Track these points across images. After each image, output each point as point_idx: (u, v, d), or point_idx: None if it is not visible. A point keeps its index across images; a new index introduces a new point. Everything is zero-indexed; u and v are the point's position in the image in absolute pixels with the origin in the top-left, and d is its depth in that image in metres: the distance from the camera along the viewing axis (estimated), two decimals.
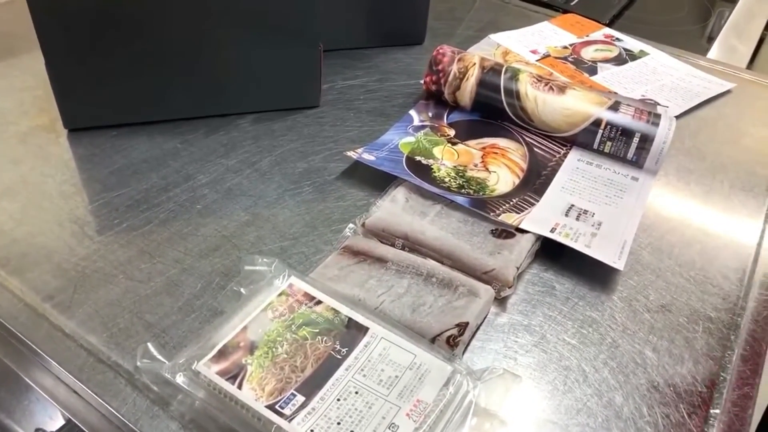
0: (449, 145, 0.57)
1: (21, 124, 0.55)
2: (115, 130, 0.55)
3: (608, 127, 0.55)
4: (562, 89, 0.58)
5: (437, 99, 0.63)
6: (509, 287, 0.42)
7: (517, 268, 0.43)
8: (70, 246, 0.44)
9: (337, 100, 0.63)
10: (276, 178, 0.51)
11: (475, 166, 0.54)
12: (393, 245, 0.45)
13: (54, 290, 0.40)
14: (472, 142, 0.57)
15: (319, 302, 0.37)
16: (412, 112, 0.61)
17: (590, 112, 0.56)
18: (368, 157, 0.53)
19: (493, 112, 0.60)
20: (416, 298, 0.39)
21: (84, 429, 0.36)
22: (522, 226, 0.46)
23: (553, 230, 0.47)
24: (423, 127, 0.59)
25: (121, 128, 0.55)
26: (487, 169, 0.54)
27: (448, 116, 0.61)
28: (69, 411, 0.36)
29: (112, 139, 0.54)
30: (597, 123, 0.55)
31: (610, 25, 0.87)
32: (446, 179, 0.52)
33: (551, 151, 0.57)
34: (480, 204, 0.49)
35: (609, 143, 0.56)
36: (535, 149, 0.57)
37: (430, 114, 0.61)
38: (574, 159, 0.56)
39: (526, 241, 0.45)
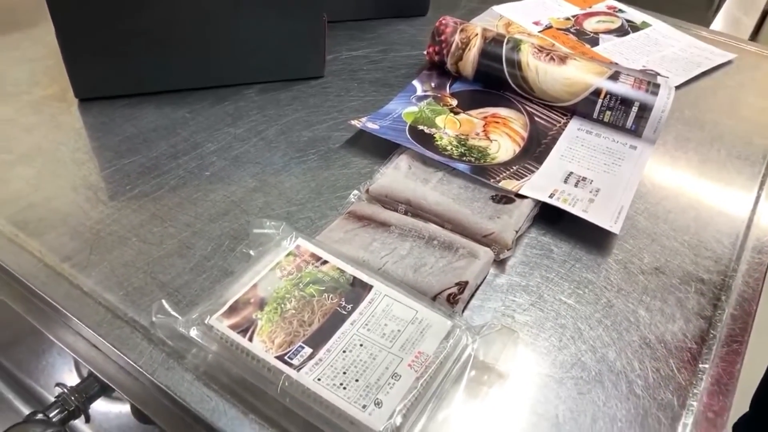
0: (451, 114, 0.58)
1: (33, 94, 0.56)
2: (124, 100, 0.57)
3: (608, 96, 0.56)
4: (562, 59, 0.58)
5: (440, 69, 0.64)
6: (508, 249, 0.43)
7: (516, 232, 0.44)
8: (85, 210, 0.45)
9: (342, 71, 0.63)
10: (282, 146, 0.53)
11: (477, 135, 0.55)
12: (396, 210, 0.46)
13: (71, 251, 0.42)
14: (474, 112, 0.58)
15: (325, 262, 0.39)
16: (415, 83, 0.62)
17: (590, 82, 0.57)
18: (372, 126, 0.54)
19: (494, 82, 0.61)
20: (418, 260, 0.41)
21: (103, 379, 0.38)
22: (521, 191, 0.48)
23: (551, 196, 0.48)
24: (426, 97, 0.60)
25: (131, 98, 0.57)
26: (488, 138, 0.55)
27: (450, 86, 0.62)
28: (89, 363, 0.38)
29: (122, 108, 0.56)
30: (597, 92, 0.56)
31: None
32: (448, 147, 0.53)
33: (552, 121, 0.58)
34: (481, 171, 0.50)
35: (608, 112, 0.57)
36: (536, 118, 0.58)
37: (432, 84, 0.62)
38: (574, 128, 0.57)
39: (525, 206, 0.46)
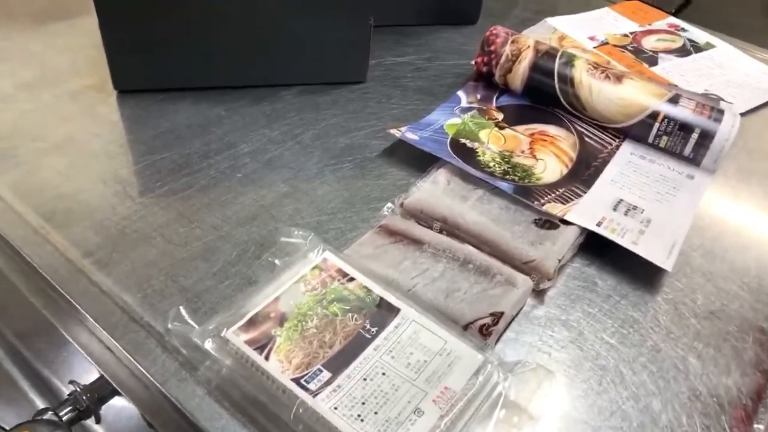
0: (496, 129, 0.55)
1: (72, 83, 0.56)
2: (162, 94, 0.56)
3: (665, 120, 0.52)
4: (618, 78, 0.55)
5: (487, 81, 0.61)
6: (549, 279, 0.40)
7: (559, 261, 0.41)
8: (112, 205, 0.44)
9: (384, 77, 0.61)
10: (317, 152, 0.51)
11: (522, 152, 0.52)
12: (431, 227, 0.44)
13: (94, 247, 0.41)
14: (520, 128, 0.55)
15: (352, 279, 0.37)
16: (460, 93, 0.59)
17: (647, 104, 0.53)
18: (411, 136, 0.51)
19: (544, 97, 0.58)
20: (451, 283, 0.38)
21: (113, 384, 0.36)
22: (567, 217, 0.45)
23: (599, 224, 0.45)
24: (470, 109, 0.57)
25: (168, 93, 0.56)
26: (534, 156, 0.52)
27: (497, 99, 0.59)
28: (100, 365, 0.37)
29: (159, 102, 0.55)
30: (654, 116, 0.53)
31: (675, 14, 0.82)
32: (491, 164, 0.50)
33: (603, 142, 0.55)
34: (524, 192, 0.47)
35: (665, 138, 0.53)
36: (586, 139, 0.55)
37: (478, 96, 0.59)
38: (627, 152, 0.54)
39: (570, 233, 0.43)
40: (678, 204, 0.49)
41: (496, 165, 0.50)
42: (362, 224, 0.44)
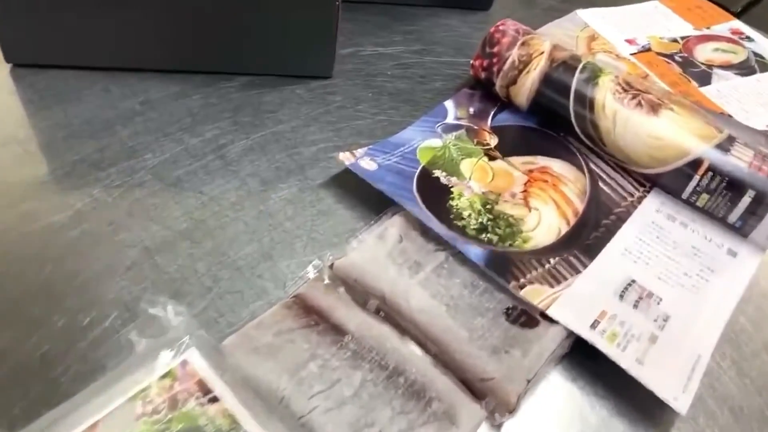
0: (485, 158, 0.42)
1: None
2: (71, 72, 0.44)
3: (710, 173, 0.39)
4: (653, 107, 0.42)
5: (486, 90, 0.48)
6: (509, 411, 0.29)
7: (528, 381, 0.29)
8: None
9: (357, 72, 0.49)
10: (243, 172, 0.39)
11: (513, 196, 0.40)
12: (365, 305, 0.32)
13: None
14: (517, 160, 0.43)
15: (215, 400, 0.26)
16: (449, 104, 0.47)
17: (688, 147, 0.40)
18: (366, 165, 0.39)
19: (554, 121, 0.45)
20: (365, 412, 0.27)
21: None
22: (551, 312, 0.32)
23: (595, 325, 0.32)
24: (458, 127, 0.45)
25: (79, 72, 0.44)
26: (526, 204, 0.40)
27: (494, 117, 0.46)
28: None
29: (62, 84, 0.43)
30: (695, 165, 0.39)
31: (740, 15, 0.67)
32: (465, 213, 0.38)
33: (622, 191, 0.42)
34: (501, 262, 0.35)
35: (705, 196, 0.40)
36: (600, 184, 0.42)
37: (471, 110, 0.47)
38: (652, 208, 0.41)
39: (550, 337, 0.31)
40: (711, 293, 0.36)
41: (473, 216, 0.38)
42: (273, 290, 0.33)
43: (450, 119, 0.45)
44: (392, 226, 0.36)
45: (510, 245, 0.36)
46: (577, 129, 0.44)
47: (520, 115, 0.46)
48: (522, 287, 0.34)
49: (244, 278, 0.33)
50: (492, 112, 0.47)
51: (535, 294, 0.33)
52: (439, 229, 0.36)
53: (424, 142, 0.43)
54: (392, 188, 0.38)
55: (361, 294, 0.32)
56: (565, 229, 0.39)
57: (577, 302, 0.34)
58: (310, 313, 0.31)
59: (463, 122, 0.45)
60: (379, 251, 0.34)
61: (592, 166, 0.43)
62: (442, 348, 0.30)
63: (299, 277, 0.34)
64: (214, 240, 0.35)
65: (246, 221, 0.36)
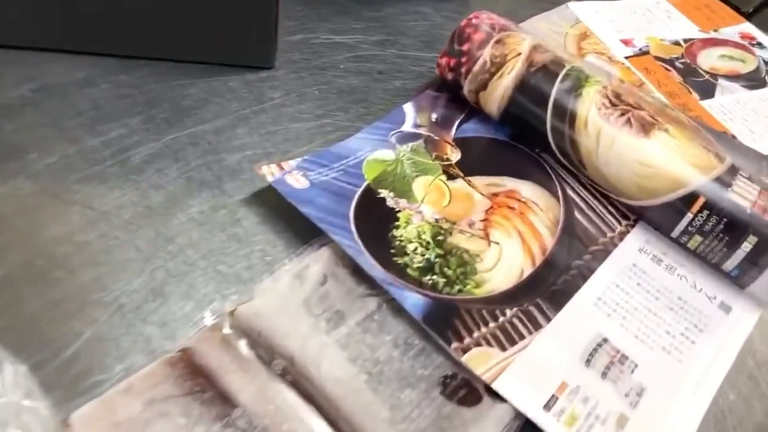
0: (443, 177, 0.36)
1: None
2: None
3: (705, 211, 0.33)
4: (645, 128, 0.35)
5: (452, 94, 0.41)
6: None
7: None
8: None
9: (305, 64, 0.42)
10: (145, 183, 0.32)
11: (471, 225, 0.34)
12: (269, 364, 0.26)
13: None
14: (480, 181, 0.36)
15: None
16: (408, 108, 0.40)
17: (682, 179, 0.33)
18: (294, 182, 0.32)
19: (528, 135, 0.38)
20: None
21: None
22: (497, 385, 0.26)
23: (550, 404, 0.26)
24: (416, 136, 0.38)
25: None
26: (486, 236, 0.33)
27: (459, 126, 0.40)
28: None
29: None
30: (688, 200, 0.33)
31: (752, 17, 0.60)
32: (410, 246, 0.31)
33: (602, 225, 0.35)
34: (444, 313, 0.29)
35: (698, 237, 0.33)
36: (577, 215, 0.35)
37: (434, 116, 0.40)
38: (635, 246, 0.35)
39: (494, 419, 0.25)
40: (697, 358, 0.30)
41: (419, 250, 0.31)
42: (160, 338, 0.27)
43: (407, 126, 0.39)
44: (316, 262, 0.29)
45: (459, 291, 0.30)
46: (553, 146, 0.37)
47: (490, 125, 0.40)
48: (466, 350, 0.27)
49: (125, 321, 0.27)
50: (457, 121, 0.40)
51: (481, 359, 0.27)
52: (372, 271, 0.29)
53: (373, 153, 0.36)
54: (321, 213, 0.31)
55: (267, 351, 0.26)
56: (528, 270, 0.32)
57: (532, 371, 0.27)
58: (196, 374, 0.25)
59: (422, 131, 0.39)
60: (293, 296, 0.28)
61: (569, 191, 0.37)
62: (356, 428, 0.24)
63: (194, 323, 0.27)
64: (96, 269, 0.28)
65: (139, 246, 0.30)
